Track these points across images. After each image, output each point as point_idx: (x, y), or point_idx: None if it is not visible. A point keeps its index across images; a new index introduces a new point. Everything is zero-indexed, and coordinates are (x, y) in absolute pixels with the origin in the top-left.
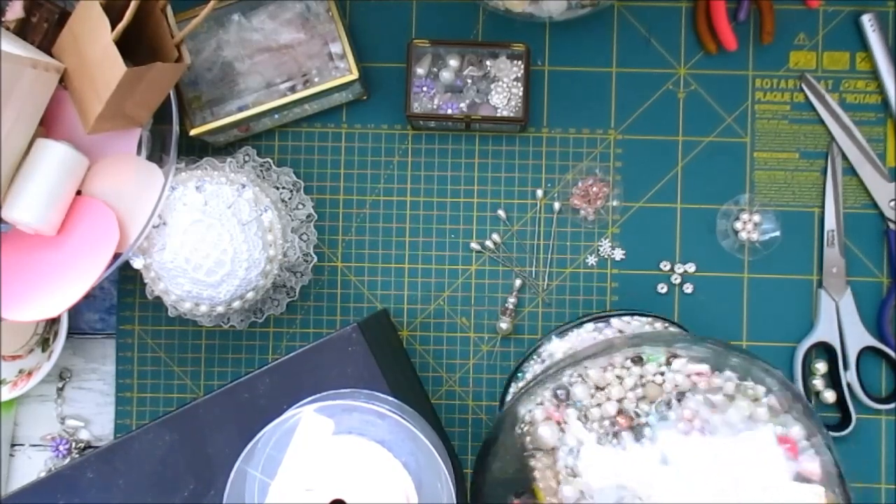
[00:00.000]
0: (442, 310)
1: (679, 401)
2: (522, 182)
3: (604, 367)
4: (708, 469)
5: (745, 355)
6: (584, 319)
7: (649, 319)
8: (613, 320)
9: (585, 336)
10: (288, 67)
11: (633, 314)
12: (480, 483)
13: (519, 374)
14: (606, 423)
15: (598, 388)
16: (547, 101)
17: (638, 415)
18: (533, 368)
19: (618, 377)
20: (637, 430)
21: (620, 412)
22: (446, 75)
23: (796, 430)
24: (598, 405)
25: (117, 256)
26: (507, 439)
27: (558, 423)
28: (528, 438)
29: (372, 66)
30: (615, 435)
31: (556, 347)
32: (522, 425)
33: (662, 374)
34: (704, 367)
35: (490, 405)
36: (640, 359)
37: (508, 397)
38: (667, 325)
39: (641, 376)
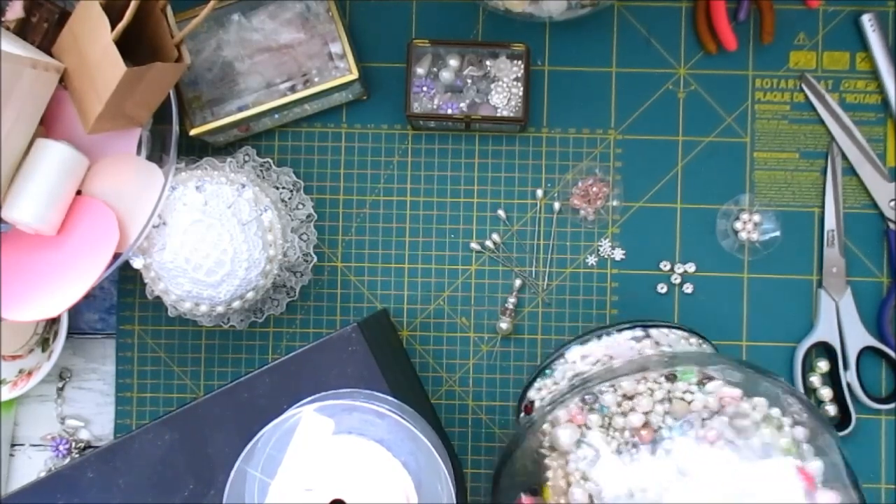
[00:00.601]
0: (442, 310)
1: (704, 420)
2: (522, 182)
3: (637, 380)
4: (723, 483)
5: (775, 380)
6: (623, 326)
7: (685, 334)
8: (652, 331)
9: (623, 342)
10: (288, 67)
11: (671, 327)
12: (501, 484)
13: (547, 372)
14: (627, 432)
15: (626, 398)
16: (547, 101)
17: (661, 427)
18: (561, 368)
19: (649, 389)
20: (656, 442)
21: (646, 424)
22: (446, 75)
23: (817, 465)
24: (624, 414)
25: (117, 256)
26: (531, 439)
27: (579, 426)
28: (546, 438)
29: (372, 66)
30: (633, 445)
31: (591, 350)
32: (544, 425)
33: (692, 392)
34: (738, 392)
35: (490, 405)
36: (675, 376)
37: (531, 392)
38: (702, 342)
39: (670, 391)
